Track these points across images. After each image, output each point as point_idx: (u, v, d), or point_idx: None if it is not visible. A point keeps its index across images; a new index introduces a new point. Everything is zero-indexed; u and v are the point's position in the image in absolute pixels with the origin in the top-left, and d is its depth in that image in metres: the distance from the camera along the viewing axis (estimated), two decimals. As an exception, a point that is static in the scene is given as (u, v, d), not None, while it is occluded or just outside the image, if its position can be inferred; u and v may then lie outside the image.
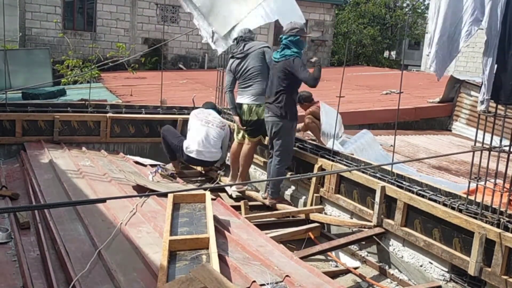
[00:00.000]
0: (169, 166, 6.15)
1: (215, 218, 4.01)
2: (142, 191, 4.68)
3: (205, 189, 4.95)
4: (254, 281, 2.89)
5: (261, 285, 2.90)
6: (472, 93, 9.95)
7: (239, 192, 5.70)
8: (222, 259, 3.23)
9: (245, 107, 5.50)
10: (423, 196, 3.97)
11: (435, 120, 10.50)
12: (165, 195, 4.33)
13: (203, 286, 2.54)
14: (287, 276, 3.01)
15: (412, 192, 4.05)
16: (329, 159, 5.07)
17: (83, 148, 6.10)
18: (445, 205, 3.78)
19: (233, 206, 4.82)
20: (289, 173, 5.51)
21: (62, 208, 4.03)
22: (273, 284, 2.95)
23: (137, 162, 6.03)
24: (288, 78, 4.99)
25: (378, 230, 4.27)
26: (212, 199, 4.57)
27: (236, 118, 5.59)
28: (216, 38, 6.29)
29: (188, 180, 5.99)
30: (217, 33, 6.12)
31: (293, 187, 5.57)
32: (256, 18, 5.94)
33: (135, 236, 3.57)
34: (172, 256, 3.21)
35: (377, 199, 4.27)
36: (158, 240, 3.52)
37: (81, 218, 3.87)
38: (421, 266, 3.96)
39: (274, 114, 5.08)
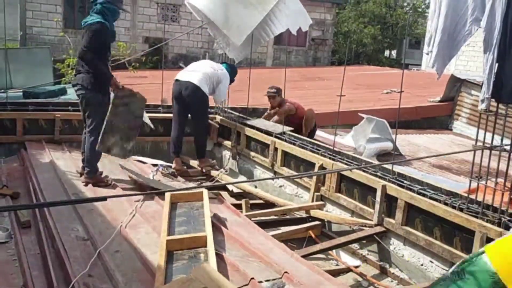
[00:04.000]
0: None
1: (216, 217, 4.01)
2: (142, 190, 4.68)
3: (207, 188, 4.95)
4: (252, 278, 2.89)
5: (260, 282, 2.89)
6: (473, 92, 9.93)
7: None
8: (221, 257, 3.23)
9: None
10: (424, 195, 3.97)
11: (435, 119, 10.49)
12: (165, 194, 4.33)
13: (203, 286, 2.54)
14: (286, 272, 3.00)
15: (413, 191, 4.05)
16: (329, 158, 5.07)
17: (84, 147, 6.09)
18: (446, 204, 3.78)
19: (234, 204, 4.82)
20: (289, 172, 5.52)
21: (62, 208, 4.03)
22: (272, 280, 2.95)
23: (138, 161, 6.03)
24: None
25: (378, 229, 4.27)
26: (213, 198, 4.57)
27: None
28: (233, 48, 6.53)
29: (189, 179, 5.99)
30: (234, 44, 6.29)
31: (293, 186, 5.57)
32: (271, 28, 6.24)
33: (134, 236, 3.57)
34: (170, 256, 3.20)
35: (378, 198, 4.27)
36: (157, 240, 3.51)
37: (80, 217, 3.87)
38: (421, 265, 3.96)
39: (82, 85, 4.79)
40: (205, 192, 4.15)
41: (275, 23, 6.23)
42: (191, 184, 5.66)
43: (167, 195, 4.08)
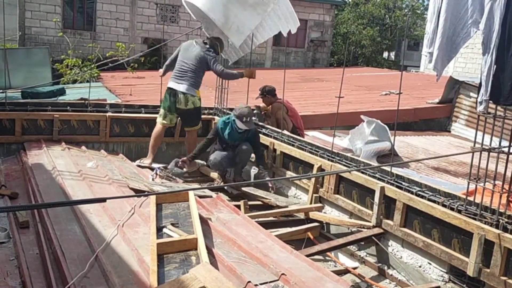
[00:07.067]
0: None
1: (214, 216, 4.01)
2: (140, 192, 4.67)
3: (212, 189, 4.96)
4: (249, 282, 2.88)
5: (256, 285, 2.88)
6: (471, 94, 9.96)
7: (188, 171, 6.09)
8: (217, 259, 3.22)
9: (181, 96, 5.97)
10: (422, 196, 3.98)
11: (434, 121, 10.51)
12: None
13: (202, 285, 2.54)
14: (283, 274, 3.00)
15: (412, 192, 4.06)
16: (328, 159, 5.07)
17: (83, 148, 6.09)
18: (444, 205, 3.79)
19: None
20: (288, 174, 5.52)
21: (59, 208, 4.02)
22: (268, 283, 2.94)
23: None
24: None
25: (377, 230, 4.28)
26: (207, 197, 4.56)
27: None
28: (231, 49, 6.69)
29: (187, 180, 5.98)
30: (233, 45, 6.44)
31: (292, 187, 5.58)
32: (265, 31, 6.49)
33: (131, 237, 3.56)
34: (161, 259, 3.16)
35: (376, 199, 4.27)
36: (154, 241, 3.50)
37: (78, 218, 3.86)
38: (420, 266, 3.97)
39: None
40: (191, 193, 4.12)
41: (270, 25, 6.37)
42: (195, 185, 5.64)
43: (152, 197, 4.06)
